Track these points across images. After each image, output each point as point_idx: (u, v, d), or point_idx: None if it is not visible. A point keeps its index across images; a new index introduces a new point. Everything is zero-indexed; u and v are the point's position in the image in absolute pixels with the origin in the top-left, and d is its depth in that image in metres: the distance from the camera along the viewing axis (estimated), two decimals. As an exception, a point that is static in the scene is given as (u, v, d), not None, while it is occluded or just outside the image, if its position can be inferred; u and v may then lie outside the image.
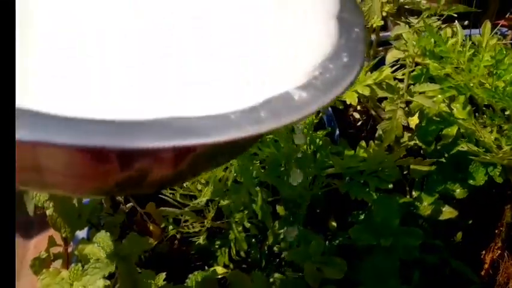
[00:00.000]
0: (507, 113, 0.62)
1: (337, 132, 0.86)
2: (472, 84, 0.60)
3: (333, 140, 0.83)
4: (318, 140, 0.67)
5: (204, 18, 0.34)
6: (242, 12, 0.35)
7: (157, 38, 0.31)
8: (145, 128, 0.25)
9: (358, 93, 0.61)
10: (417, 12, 0.86)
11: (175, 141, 0.25)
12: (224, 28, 0.34)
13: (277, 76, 0.31)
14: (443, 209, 0.67)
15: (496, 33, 0.92)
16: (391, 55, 0.76)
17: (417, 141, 0.72)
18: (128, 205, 0.70)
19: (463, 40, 0.72)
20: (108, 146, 0.24)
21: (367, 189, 0.59)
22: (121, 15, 0.31)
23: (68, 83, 0.27)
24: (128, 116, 0.25)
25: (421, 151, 0.75)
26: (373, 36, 0.86)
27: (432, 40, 0.61)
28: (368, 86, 0.60)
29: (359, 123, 0.88)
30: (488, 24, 0.63)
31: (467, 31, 0.90)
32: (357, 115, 0.88)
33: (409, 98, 0.61)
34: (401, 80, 0.69)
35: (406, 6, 0.84)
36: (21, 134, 0.23)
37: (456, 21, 0.90)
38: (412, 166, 0.71)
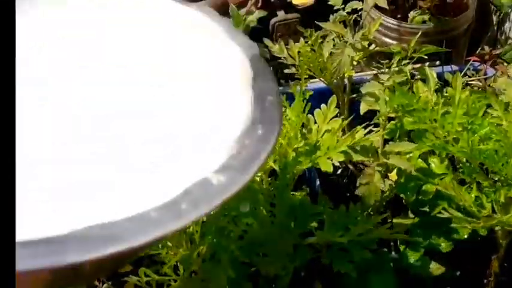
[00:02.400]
0: (485, 166, 0.61)
1: (318, 182, 0.84)
2: (447, 141, 0.59)
3: (312, 191, 0.82)
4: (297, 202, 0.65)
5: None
6: (151, 94, 0.35)
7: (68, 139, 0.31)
8: (67, 244, 0.24)
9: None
10: (389, 54, 0.85)
11: (97, 252, 0.24)
12: (135, 118, 0.33)
13: (194, 161, 0.30)
14: (431, 266, 0.66)
15: (469, 68, 0.92)
16: (364, 106, 0.75)
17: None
18: (104, 286, 0.68)
19: (436, 87, 0.71)
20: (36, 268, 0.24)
21: (350, 260, 0.57)
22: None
23: None
24: (46, 232, 0.25)
25: (403, 201, 0.74)
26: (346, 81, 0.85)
27: (404, 99, 0.60)
28: (342, 151, 0.59)
29: (339, 171, 0.86)
30: (459, 78, 0.62)
31: (439, 69, 0.90)
32: (336, 163, 0.86)
33: (384, 160, 0.60)
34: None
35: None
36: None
37: (427, 63, 0.90)
38: (395, 220, 0.70)
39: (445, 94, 0.67)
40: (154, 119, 0.33)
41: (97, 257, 0.24)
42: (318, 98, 0.72)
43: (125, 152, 0.31)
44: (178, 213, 0.26)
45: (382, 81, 0.68)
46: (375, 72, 0.83)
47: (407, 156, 0.64)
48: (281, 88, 0.93)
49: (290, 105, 0.65)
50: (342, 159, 0.59)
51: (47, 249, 0.24)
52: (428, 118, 0.59)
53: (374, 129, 0.67)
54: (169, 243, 0.59)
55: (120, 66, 0.36)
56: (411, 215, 0.73)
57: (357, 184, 0.78)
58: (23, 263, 0.23)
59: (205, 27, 0.40)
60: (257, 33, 1.01)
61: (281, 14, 1.15)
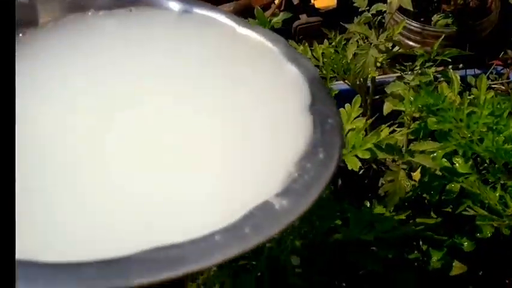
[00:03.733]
0: (510, 166, 0.61)
1: (340, 182, 0.85)
2: (472, 141, 0.60)
3: (334, 191, 0.83)
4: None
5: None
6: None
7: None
8: (135, 264, 0.24)
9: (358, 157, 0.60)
10: (411, 57, 0.86)
11: (166, 273, 0.24)
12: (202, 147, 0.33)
13: (257, 184, 0.30)
14: (453, 265, 0.66)
15: (492, 72, 0.93)
16: (387, 106, 0.76)
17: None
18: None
19: (460, 89, 0.72)
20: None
21: (375, 257, 0.58)
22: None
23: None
24: (115, 252, 0.25)
25: (426, 201, 0.74)
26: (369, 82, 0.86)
27: (429, 98, 0.61)
28: (368, 149, 0.60)
29: (361, 171, 0.87)
30: (484, 79, 0.62)
31: (461, 72, 0.91)
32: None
33: (410, 158, 0.61)
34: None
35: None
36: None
37: (450, 66, 0.91)
38: (418, 219, 0.71)
39: (469, 96, 0.68)
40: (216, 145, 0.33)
41: (161, 279, 0.24)
42: (341, 99, 0.73)
43: (188, 174, 0.31)
44: (242, 238, 0.26)
45: (407, 81, 0.69)
46: (397, 74, 0.84)
47: (431, 155, 0.65)
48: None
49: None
50: (368, 156, 0.60)
51: (110, 270, 0.24)
52: (454, 118, 0.60)
53: (397, 129, 0.68)
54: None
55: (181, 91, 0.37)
56: (433, 215, 0.74)
57: (380, 183, 0.80)
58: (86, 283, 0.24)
59: (261, 48, 0.39)
60: (281, 35, 1.03)
61: (303, 17, 1.16)
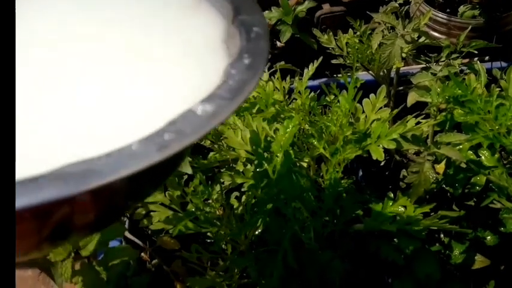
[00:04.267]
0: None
1: (360, 173, 0.85)
2: (499, 133, 0.59)
3: (355, 182, 0.82)
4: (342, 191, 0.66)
5: None
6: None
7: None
8: (45, 182, 0.24)
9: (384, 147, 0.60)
10: (436, 48, 0.85)
11: (74, 189, 0.24)
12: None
13: (179, 94, 0.30)
14: (476, 258, 0.66)
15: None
16: (412, 97, 0.75)
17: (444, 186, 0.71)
18: (154, 262, 0.70)
19: (487, 81, 0.71)
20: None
21: (397, 247, 0.58)
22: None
23: None
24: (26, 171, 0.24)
25: (448, 194, 0.74)
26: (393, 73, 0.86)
27: (457, 89, 0.60)
28: (393, 139, 0.59)
29: (382, 163, 0.86)
30: (513, 71, 0.61)
31: (487, 65, 0.89)
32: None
33: (435, 150, 0.60)
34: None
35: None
36: None
37: (476, 58, 0.89)
38: (441, 212, 0.70)
39: (497, 89, 0.67)
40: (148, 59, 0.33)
41: (74, 192, 0.24)
42: (363, 89, 0.72)
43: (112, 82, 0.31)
44: (161, 145, 0.26)
45: (434, 72, 0.68)
46: (421, 66, 0.83)
47: (457, 148, 0.64)
48: (327, 79, 0.94)
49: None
50: (393, 147, 0.59)
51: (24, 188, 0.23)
52: (482, 110, 0.59)
53: (422, 120, 0.67)
54: (218, 223, 0.61)
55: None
56: (455, 208, 0.73)
57: (401, 175, 0.79)
58: None
59: None
60: (304, 24, 1.03)
61: (326, 6, 1.15)
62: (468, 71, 0.78)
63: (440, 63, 0.80)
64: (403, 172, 0.80)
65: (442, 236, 0.73)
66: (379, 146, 0.60)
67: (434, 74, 0.68)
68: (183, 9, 0.38)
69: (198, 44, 0.35)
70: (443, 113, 0.67)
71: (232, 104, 0.28)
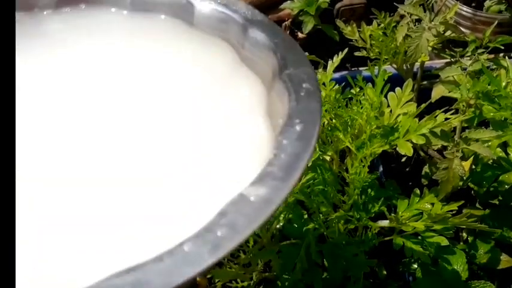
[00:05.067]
0: None
1: (381, 169, 0.83)
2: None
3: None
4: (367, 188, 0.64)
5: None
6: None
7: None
8: None
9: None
10: (461, 43, 0.83)
11: None
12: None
13: (226, 175, 0.27)
14: (501, 258, 0.64)
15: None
16: (437, 92, 0.73)
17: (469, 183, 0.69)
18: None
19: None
20: None
21: (422, 246, 0.56)
22: None
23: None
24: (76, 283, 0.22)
25: (472, 192, 0.72)
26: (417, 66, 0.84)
27: (487, 84, 0.59)
28: (422, 134, 0.58)
29: (403, 159, 0.85)
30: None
31: (513, 60, 0.87)
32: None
33: (464, 146, 0.59)
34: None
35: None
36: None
37: (501, 53, 0.87)
38: (465, 209, 0.69)
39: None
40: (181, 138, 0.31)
41: None
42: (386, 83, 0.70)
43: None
44: (215, 243, 0.22)
45: (464, 66, 0.66)
46: (445, 60, 0.81)
47: (485, 144, 0.62)
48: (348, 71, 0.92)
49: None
50: (422, 142, 0.57)
51: None
52: (514, 106, 0.57)
53: (450, 116, 0.65)
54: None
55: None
56: (478, 206, 0.72)
57: (423, 171, 0.78)
58: None
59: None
60: (326, 16, 1.01)
61: (347, -1, 1.13)
62: (494, 66, 0.76)
63: (465, 58, 0.78)
64: (425, 168, 0.79)
65: (464, 234, 0.72)
66: (407, 140, 0.58)
67: (463, 69, 0.67)
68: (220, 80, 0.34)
69: (239, 112, 0.31)
70: (471, 109, 0.65)
71: (286, 185, 0.24)
